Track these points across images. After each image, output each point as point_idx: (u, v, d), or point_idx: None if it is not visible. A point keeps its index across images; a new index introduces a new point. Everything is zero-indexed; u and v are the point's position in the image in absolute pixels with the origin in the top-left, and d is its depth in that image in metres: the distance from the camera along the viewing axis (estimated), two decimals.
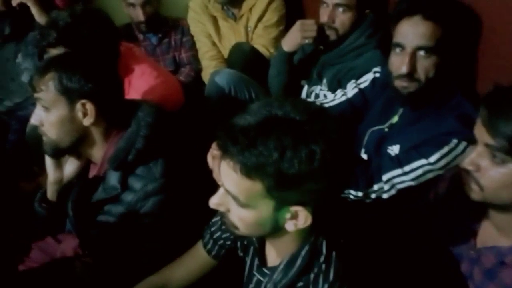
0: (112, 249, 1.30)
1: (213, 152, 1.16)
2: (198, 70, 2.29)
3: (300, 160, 0.72)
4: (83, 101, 1.15)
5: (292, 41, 1.70)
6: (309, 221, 0.80)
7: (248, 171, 0.75)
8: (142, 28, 2.23)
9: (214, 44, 2.25)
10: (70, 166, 1.29)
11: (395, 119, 1.32)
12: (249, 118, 0.75)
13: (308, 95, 1.82)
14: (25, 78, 2.02)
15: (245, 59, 1.98)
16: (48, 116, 1.17)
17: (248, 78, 1.87)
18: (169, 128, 1.30)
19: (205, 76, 2.23)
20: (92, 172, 1.29)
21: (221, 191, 0.84)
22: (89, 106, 1.15)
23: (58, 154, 1.23)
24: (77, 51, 1.32)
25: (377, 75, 1.42)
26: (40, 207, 1.34)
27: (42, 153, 1.67)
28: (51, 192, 1.31)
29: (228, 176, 0.79)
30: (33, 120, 1.19)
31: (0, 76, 2.05)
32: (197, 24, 2.26)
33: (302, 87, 1.87)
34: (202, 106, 1.87)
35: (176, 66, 2.29)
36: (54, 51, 1.36)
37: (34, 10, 1.92)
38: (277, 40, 2.22)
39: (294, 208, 0.79)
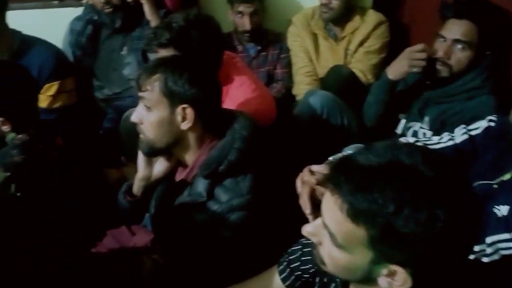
0: (185, 253, 1.30)
1: (305, 177, 1.11)
2: (289, 88, 2.27)
3: (417, 222, 0.63)
4: (184, 105, 1.16)
5: (398, 69, 1.62)
6: (408, 284, 0.71)
7: (355, 215, 0.68)
8: (244, 37, 2.25)
9: (311, 60, 2.22)
10: (160, 165, 1.31)
11: (507, 176, 1.20)
12: (371, 158, 0.69)
13: (404, 131, 1.73)
14: (126, 71, 2.12)
15: (342, 83, 1.92)
16: (148, 116, 1.19)
17: (342, 102, 1.81)
18: (261, 144, 1.28)
19: (297, 91, 2.20)
20: (179, 175, 1.30)
21: (318, 221, 0.79)
22: (189, 111, 1.16)
23: (153, 153, 1.25)
24: (186, 55, 1.34)
25: (492, 124, 1.30)
26: (124, 198, 1.37)
27: (131, 145, 1.74)
28: (137, 187, 1.33)
29: (331, 212, 0.73)
30: (134, 118, 1.22)
31: (104, 65, 2.15)
32: (297, 38, 2.24)
33: (399, 120, 1.78)
34: (290, 124, 1.84)
35: (269, 80, 2.29)
36: (163, 52, 1.39)
37: (146, 8, 2.00)
38: (376, 67, 2.15)
39: (393, 267, 0.70)
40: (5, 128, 1.32)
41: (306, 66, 2.20)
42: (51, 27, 2.20)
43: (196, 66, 1.22)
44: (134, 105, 1.83)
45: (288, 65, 2.28)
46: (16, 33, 1.85)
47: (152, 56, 1.99)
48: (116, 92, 2.13)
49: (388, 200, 0.65)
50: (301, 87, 2.18)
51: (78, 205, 1.50)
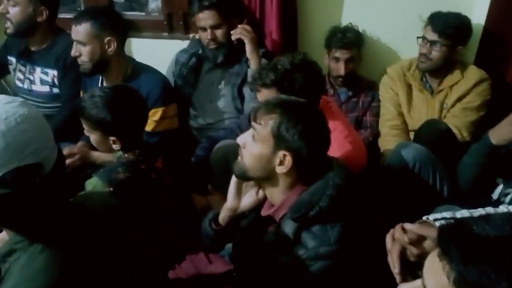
0: None
1: (397, 234, 1.08)
2: (376, 136, 2.24)
3: None
4: (286, 152, 1.16)
5: (503, 134, 1.53)
6: None
7: (463, 285, 0.66)
8: (337, 82, 2.29)
9: (399, 114, 2.19)
10: (248, 198, 1.34)
11: None
12: (487, 229, 0.66)
13: (501, 196, 1.63)
14: (221, 103, 2.23)
15: (437, 138, 1.86)
16: (252, 146, 1.21)
17: (435, 158, 1.75)
18: (353, 193, 1.27)
19: (381, 143, 2.17)
20: (266, 210, 1.32)
21: (417, 283, 0.76)
22: (288, 159, 1.17)
23: (243, 178, 1.28)
24: (309, 103, 1.33)
25: None
26: (209, 226, 1.41)
27: (220, 176, 1.81)
28: (223, 217, 1.37)
29: (436, 277, 0.70)
30: (239, 140, 1.26)
31: (201, 96, 2.28)
32: (389, 90, 2.22)
33: (495, 184, 1.68)
34: (378, 174, 1.81)
35: (357, 126, 2.28)
36: (265, 92, 1.45)
37: (248, 48, 2.10)
38: (474, 125, 2.07)
39: None
40: (116, 146, 1.44)
41: (393, 119, 2.17)
42: (159, 56, 2.39)
43: (313, 118, 1.21)
44: (226, 137, 1.93)
45: (378, 114, 2.27)
46: (130, 59, 2.04)
47: (245, 91, 2.13)
48: (210, 123, 2.24)
49: (502, 277, 0.62)
50: (387, 139, 2.15)
51: (166, 225, 1.57)
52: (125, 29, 1.96)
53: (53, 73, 2.14)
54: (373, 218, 1.52)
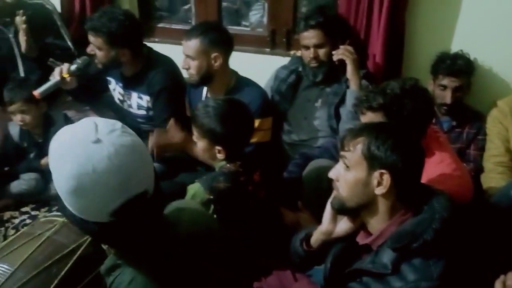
0: None
1: (509, 281, 1.00)
2: (479, 171, 2.10)
3: None
4: (383, 171, 1.15)
5: None
6: None
7: None
8: (441, 110, 2.18)
9: (507, 150, 2.04)
10: (344, 224, 1.32)
11: None
12: None
13: None
14: (316, 121, 2.23)
15: None
16: (346, 174, 1.21)
17: None
18: (458, 228, 1.20)
19: (485, 179, 2.04)
20: (361, 239, 1.29)
21: None
22: (386, 177, 1.15)
23: (342, 211, 1.27)
24: (393, 122, 1.35)
25: None
26: (300, 246, 1.41)
27: (311, 194, 1.80)
28: (316, 240, 1.36)
29: None
30: (331, 174, 1.25)
31: (297, 112, 2.29)
32: (497, 124, 2.08)
33: None
34: (482, 212, 1.69)
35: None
36: (371, 115, 1.43)
37: (350, 68, 2.09)
38: None
39: None
40: (220, 156, 1.50)
41: (500, 155, 2.03)
42: (260, 70, 2.45)
43: (401, 134, 1.21)
44: (321, 156, 1.92)
45: (483, 148, 2.13)
46: (234, 73, 2.12)
47: (341, 111, 2.12)
48: (303, 139, 2.25)
49: None
50: (491, 175, 2.01)
51: (255, 237, 1.60)
52: (231, 46, 2.05)
53: (146, 98, 2.23)
54: (477, 257, 1.42)
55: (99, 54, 2.10)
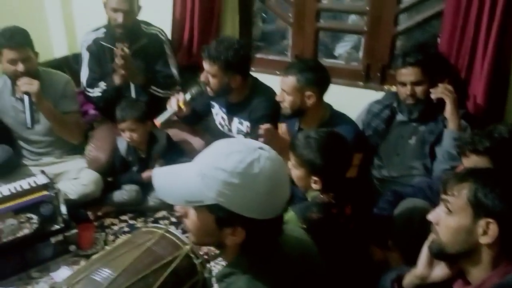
0: None
1: None
2: None
3: None
4: (490, 220, 1.11)
5: None
6: None
7: None
8: None
9: None
10: (440, 270, 1.27)
11: None
12: None
13: None
14: (408, 158, 2.19)
15: None
16: (447, 219, 1.18)
17: None
18: None
19: None
20: (459, 286, 1.24)
21: None
22: (493, 227, 1.11)
23: (440, 256, 1.23)
24: (499, 168, 1.29)
25: None
26: (391, 286, 1.38)
27: (403, 233, 1.76)
28: (409, 282, 1.33)
29: None
30: (431, 217, 1.23)
31: (389, 148, 2.27)
32: None
33: None
34: None
35: None
36: (475, 159, 1.39)
37: (449, 108, 2.04)
38: None
39: None
40: (315, 186, 1.54)
41: None
42: (352, 103, 2.47)
43: (510, 182, 1.16)
44: (414, 195, 1.88)
45: None
46: (328, 106, 2.17)
47: (437, 150, 2.05)
48: (394, 176, 2.21)
49: None
50: None
51: (343, 270, 1.59)
52: (327, 85, 2.11)
53: (246, 124, 2.37)
54: None
55: (213, 81, 2.27)
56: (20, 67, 2.28)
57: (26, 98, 2.29)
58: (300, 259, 1.13)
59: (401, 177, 2.18)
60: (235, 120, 2.40)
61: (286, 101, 2.07)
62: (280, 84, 2.10)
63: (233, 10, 2.94)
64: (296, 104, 2.05)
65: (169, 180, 1.08)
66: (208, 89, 2.32)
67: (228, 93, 2.33)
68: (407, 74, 2.13)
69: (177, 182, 1.05)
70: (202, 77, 2.34)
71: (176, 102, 2.39)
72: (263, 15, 3.38)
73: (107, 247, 2.28)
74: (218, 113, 2.50)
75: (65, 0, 3.34)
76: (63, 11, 3.34)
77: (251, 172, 0.97)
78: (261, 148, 1.03)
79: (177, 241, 1.56)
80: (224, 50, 2.19)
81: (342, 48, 3.31)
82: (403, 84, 2.16)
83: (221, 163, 0.98)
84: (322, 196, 1.56)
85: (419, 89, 2.13)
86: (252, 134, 2.24)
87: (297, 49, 2.85)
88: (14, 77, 2.32)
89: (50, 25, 3.33)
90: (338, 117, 2.11)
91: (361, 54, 2.76)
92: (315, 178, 1.54)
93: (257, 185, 0.97)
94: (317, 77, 2.05)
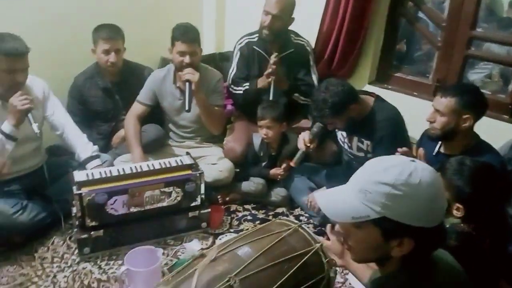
0: None
1: None
2: None
3: None
4: None
5: None
6: None
7: None
8: None
9: None
10: None
11: None
12: None
13: None
14: None
15: None
16: None
17: None
18: None
19: None
20: None
21: None
22: None
23: None
24: None
25: None
26: None
27: None
28: None
29: None
30: None
31: None
32: None
33: None
34: None
35: None
36: None
37: None
38: None
39: None
40: (457, 213, 1.54)
41: None
42: (495, 136, 2.33)
43: None
44: None
45: None
46: (475, 135, 2.10)
47: None
48: None
49: None
50: None
51: None
52: (485, 111, 2.05)
53: (367, 143, 2.39)
54: None
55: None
56: (187, 59, 2.59)
57: (187, 85, 2.58)
58: (453, 284, 1.16)
59: None
60: (355, 138, 2.45)
61: (438, 122, 2.04)
62: (433, 104, 2.08)
63: (380, 29, 2.99)
64: (450, 126, 2.01)
65: (332, 201, 1.13)
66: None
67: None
68: None
69: (340, 202, 1.10)
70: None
71: (303, 142, 2.52)
72: (407, 36, 3.37)
73: (232, 230, 2.51)
74: (339, 130, 2.57)
75: (219, 6, 3.71)
76: (217, 15, 3.73)
77: (412, 182, 1.00)
78: (413, 160, 1.06)
79: (308, 237, 1.66)
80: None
81: (476, 75, 3.18)
82: None
83: (382, 178, 1.03)
84: (462, 225, 1.55)
85: None
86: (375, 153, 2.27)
87: (440, 73, 2.81)
88: (179, 67, 2.64)
89: (204, 25, 3.72)
90: (485, 148, 2.04)
91: (510, 87, 2.63)
92: (459, 205, 1.54)
93: (421, 193, 1.00)
94: (477, 100, 2.02)
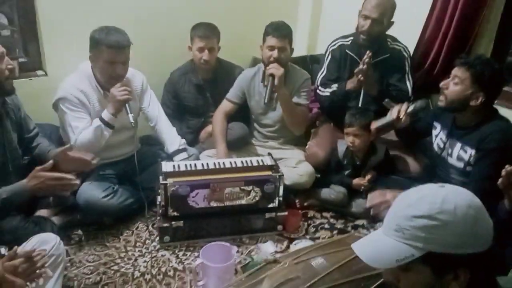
0: None
1: None
2: None
3: None
4: None
5: None
6: None
7: None
8: None
9: None
10: None
11: None
12: None
13: None
14: None
15: None
16: None
17: None
18: None
19: None
20: None
21: None
22: None
23: None
24: None
25: None
26: None
27: None
28: None
29: None
30: None
31: None
32: None
33: None
34: None
35: None
36: None
37: None
38: None
39: None
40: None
41: None
42: None
43: None
44: None
45: None
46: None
47: None
48: None
49: None
50: None
51: None
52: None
53: (471, 152, 2.17)
54: None
55: (453, 89, 2.13)
56: (275, 53, 2.61)
57: (270, 79, 2.59)
58: None
59: None
60: (458, 145, 2.24)
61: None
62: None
63: (490, 39, 2.74)
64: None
65: (371, 248, 1.06)
66: (442, 97, 2.21)
67: (461, 110, 2.17)
68: None
69: (380, 247, 1.03)
70: (442, 83, 2.22)
71: (397, 111, 2.37)
72: None
73: (308, 237, 2.46)
74: (439, 135, 2.37)
75: (315, 8, 3.66)
76: (312, 17, 3.68)
77: (447, 208, 0.94)
78: (442, 186, 1.00)
79: None
80: (483, 62, 2.09)
81: None
82: None
83: (415, 211, 0.97)
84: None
85: None
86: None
87: None
88: (267, 63, 2.65)
89: (298, 27, 3.67)
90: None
91: None
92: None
93: (460, 218, 0.94)
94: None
